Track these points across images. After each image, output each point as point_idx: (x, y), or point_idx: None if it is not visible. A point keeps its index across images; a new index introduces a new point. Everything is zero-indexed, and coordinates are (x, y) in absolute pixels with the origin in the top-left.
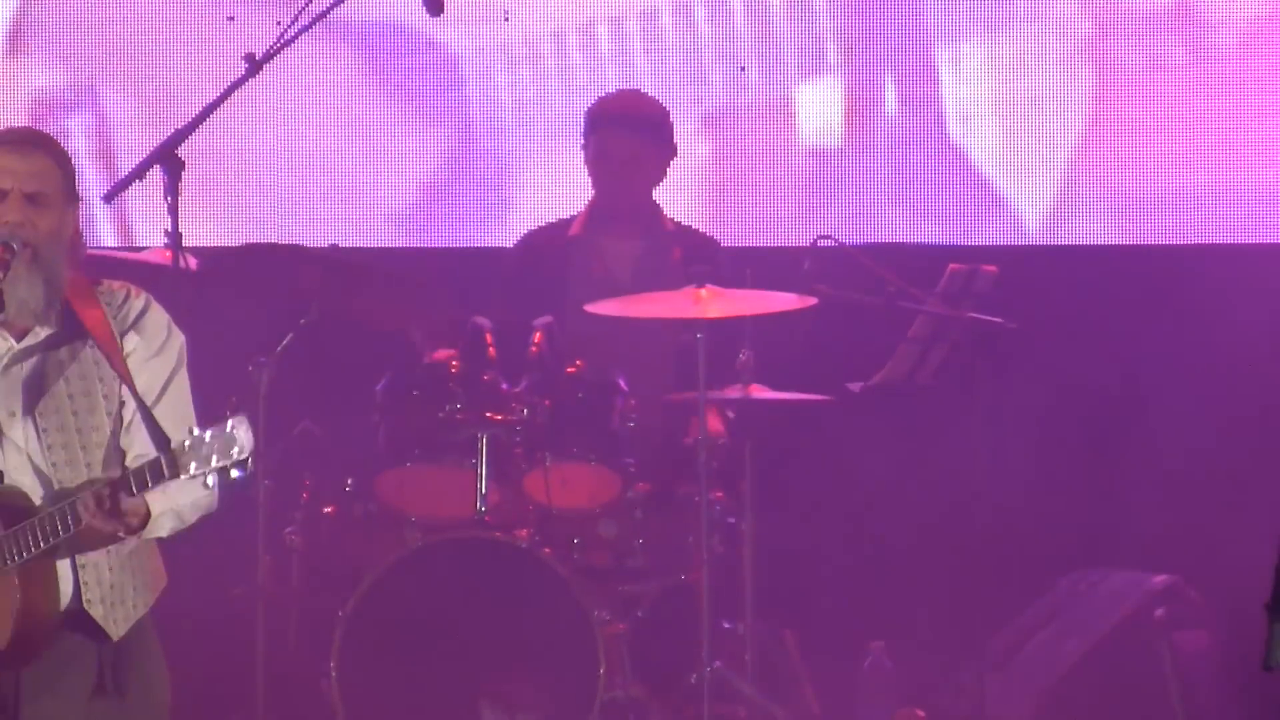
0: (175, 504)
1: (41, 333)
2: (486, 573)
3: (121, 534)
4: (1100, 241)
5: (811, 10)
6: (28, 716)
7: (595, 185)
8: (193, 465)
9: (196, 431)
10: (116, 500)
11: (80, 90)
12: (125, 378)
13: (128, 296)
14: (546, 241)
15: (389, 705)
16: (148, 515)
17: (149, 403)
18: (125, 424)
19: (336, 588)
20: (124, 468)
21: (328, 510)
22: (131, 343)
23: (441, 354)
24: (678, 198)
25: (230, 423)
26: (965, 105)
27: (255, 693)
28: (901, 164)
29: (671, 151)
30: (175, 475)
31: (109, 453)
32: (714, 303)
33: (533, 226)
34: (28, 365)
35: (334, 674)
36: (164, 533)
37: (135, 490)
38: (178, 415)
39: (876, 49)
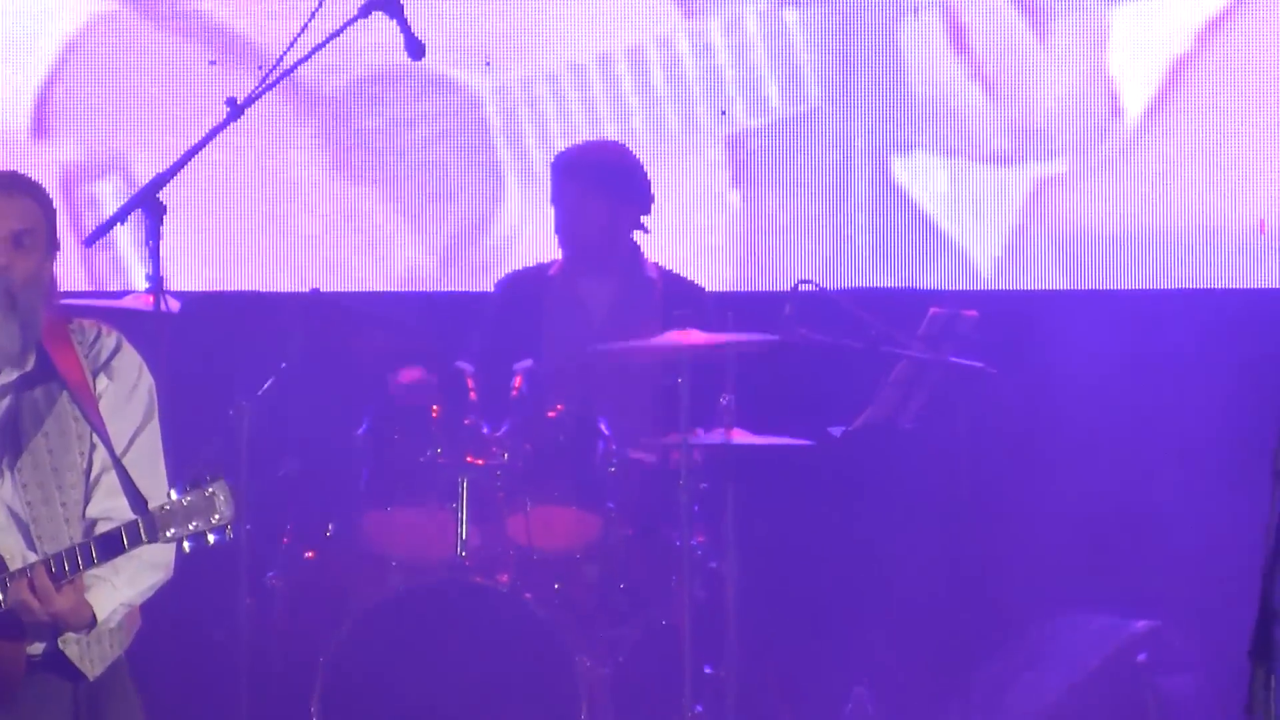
0: (126, 597)
1: (14, 373)
2: (468, 616)
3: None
4: (1066, 285)
5: (790, 53)
6: None
7: (557, 233)
8: (170, 530)
9: (175, 495)
10: (46, 582)
11: (105, 156)
12: (98, 428)
13: (99, 335)
14: (525, 284)
15: None
16: (90, 614)
17: (119, 451)
18: (95, 473)
19: (318, 631)
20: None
21: (309, 554)
22: (102, 384)
23: (408, 374)
24: (659, 242)
25: (211, 487)
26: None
27: None
28: (879, 209)
29: (640, 198)
30: (153, 539)
31: (84, 495)
32: (695, 339)
33: (512, 269)
34: (1, 405)
35: (316, 718)
36: (115, 623)
37: (99, 560)
38: (147, 465)
39: (853, 90)
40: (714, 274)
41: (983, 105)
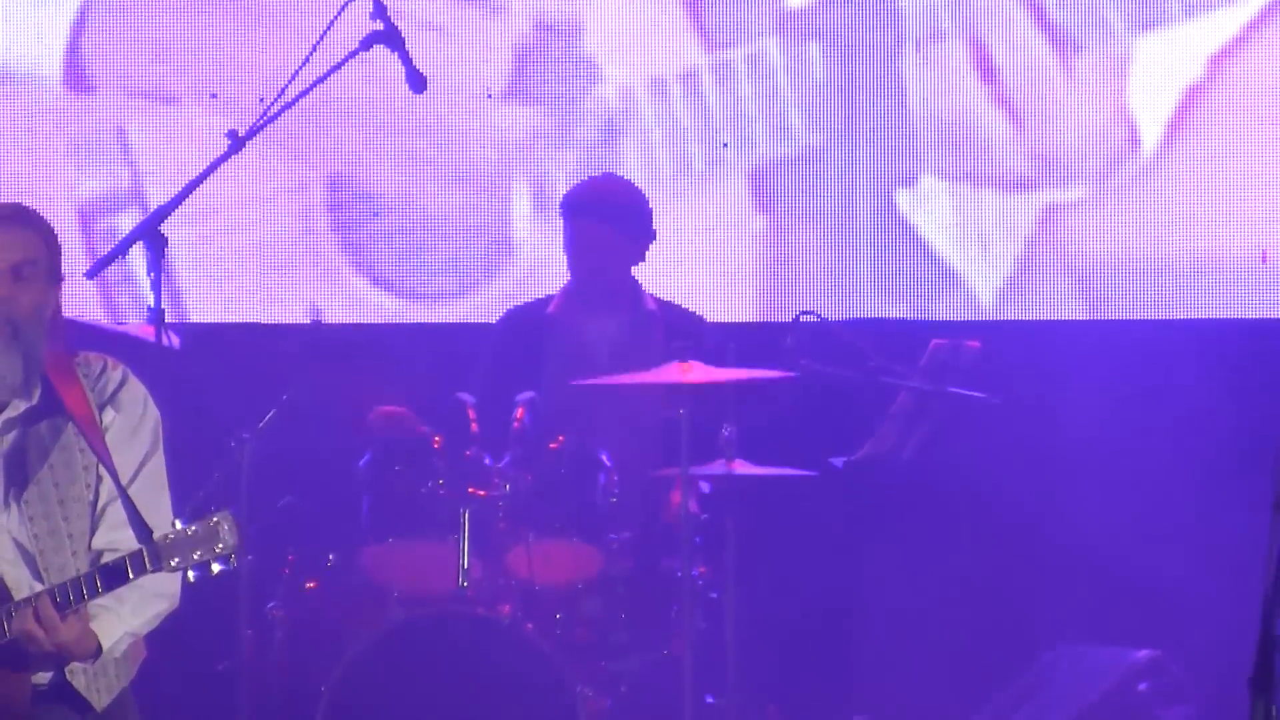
0: (131, 626)
1: (20, 406)
2: (469, 648)
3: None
4: (1073, 315)
5: (784, 88)
6: None
7: (570, 269)
8: (175, 559)
9: (180, 524)
10: (51, 613)
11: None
12: (105, 460)
13: (105, 369)
14: (526, 319)
15: None
16: (95, 643)
17: (125, 482)
18: (101, 504)
19: (319, 662)
20: (95, 565)
21: (310, 585)
22: (109, 417)
23: (386, 410)
24: (658, 274)
25: (216, 517)
26: (930, 183)
27: None
28: (877, 240)
29: (647, 234)
30: (158, 568)
31: (90, 527)
32: (696, 375)
33: (518, 302)
34: (8, 439)
35: None
36: (120, 652)
37: (103, 589)
38: (153, 496)
39: (852, 122)
40: (726, 305)
41: (1004, 132)
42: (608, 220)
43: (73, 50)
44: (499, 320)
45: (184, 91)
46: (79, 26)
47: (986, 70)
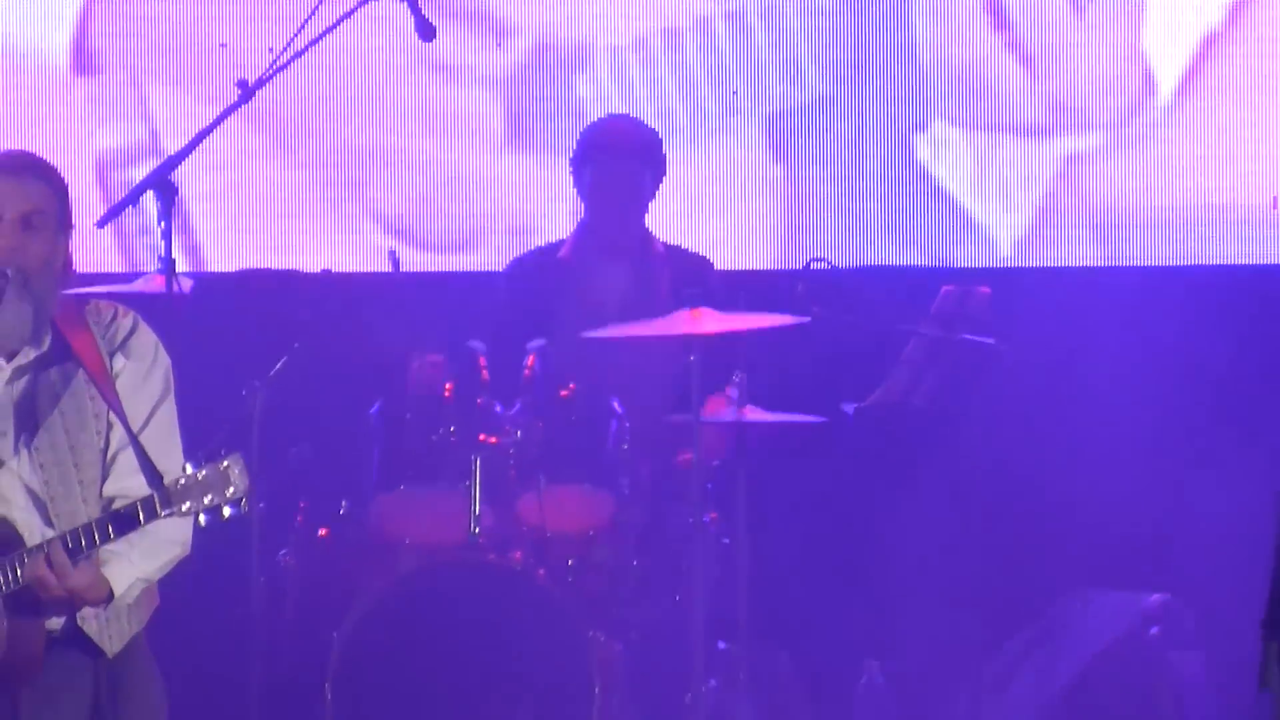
0: (143, 572)
1: (31, 353)
2: (481, 596)
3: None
4: (1085, 261)
5: (796, 35)
6: None
7: (590, 212)
8: (186, 504)
9: (191, 469)
10: (62, 558)
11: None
12: (115, 407)
13: (115, 316)
14: (536, 266)
15: None
16: (107, 589)
17: (135, 429)
18: (112, 452)
19: (331, 610)
20: (106, 511)
21: (322, 533)
22: (119, 364)
23: (430, 359)
24: (671, 221)
25: (226, 461)
26: (944, 130)
27: (250, 714)
28: (890, 188)
29: (663, 174)
30: (169, 512)
31: (101, 474)
32: (708, 324)
33: (528, 249)
34: (19, 385)
35: (329, 697)
36: (132, 598)
37: (115, 535)
38: (164, 442)
39: (864, 71)
40: (735, 253)
41: (1017, 79)
42: (632, 161)
43: (86, 9)
44: (507, 267)
45: (194, 43)
46: None
47: (999, 17)
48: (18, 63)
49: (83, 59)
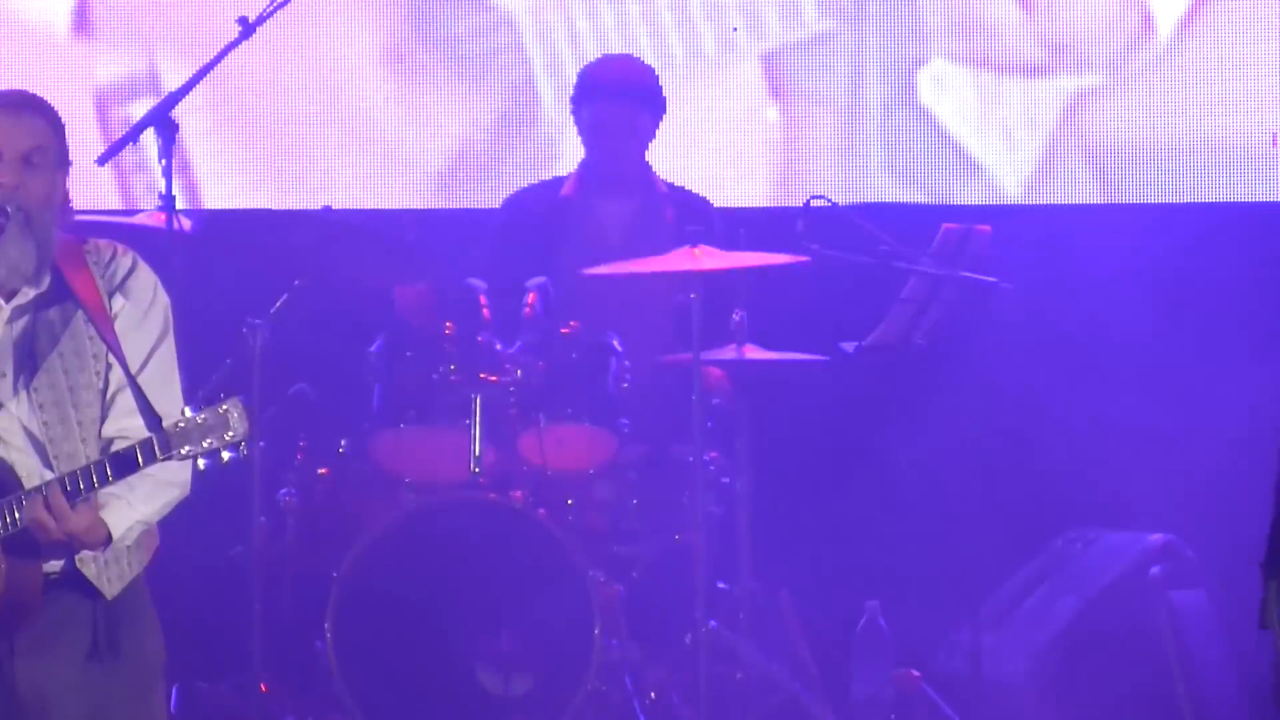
0: (141, 514)
1: (30, 293)
2: (481, 534)
3: (75, 543)
4: (1087, 200)
5: None
6: (24, 677)
7: (589, 151)
8: (185, 447)
9: (190, 412)
10: (60, 501)
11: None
12: (114, 347)
13: (114, 255)
14: (536, 202)
15: (384, 666)
16: (105, 532)
17: (134, 370)
18: (110, 392)
19: (331, 549)
20: (105, 453)
21: (322, 471)
22: (118, 304)
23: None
24: (670, 159)
25: (226, 405)
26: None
27: (251, 653)
28: (891, 126)
29: (662, 114)
30: (168, 455)
31: (100, 415)
32: (709, 261)
33: (523, 186)
34: (18, 325)
35: (329, 635)
36: (131, 540)
37: (113, 478)
38: (162, 383)
39: (865, 7)
40: (734, 191)
41: (1015, 18)
42: (630, 101)
43: None
44: (504, 204)
45: None
46: None
47: None
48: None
49: (85, 10)
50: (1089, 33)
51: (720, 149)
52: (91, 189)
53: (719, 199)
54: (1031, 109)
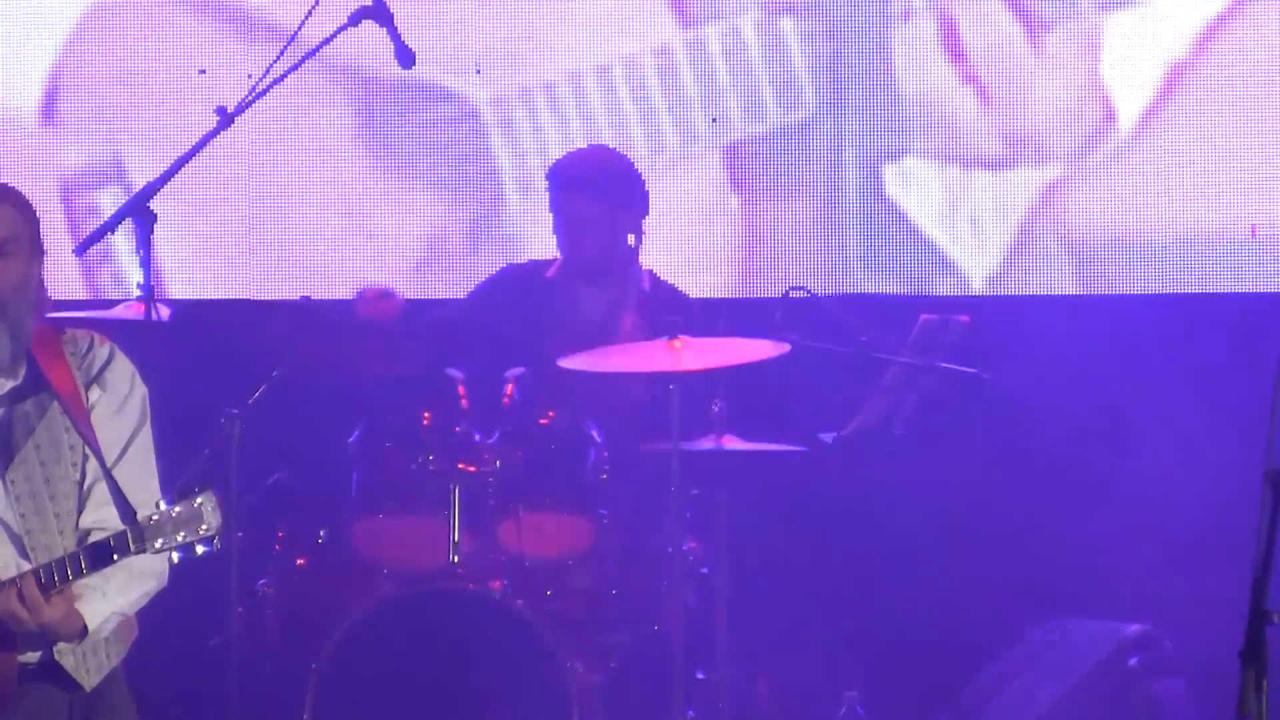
0: (117, 606)
1: (6, 384)
2: (460, 624)
3: (50, 635)
4: (1059, 290)
5: (785, 62)
6: None
7: (558, 244)
8: (159, 541)
9: (164, 506)
10: (35, 593)
11: (105, 165)
12: (89, 440)
13: (92, 345)
14: (524, 279)
15: None
16: (81, 623)
17: (110, 461)
18: (88, 483)
19: (310, 639)
20: (81, 544)
21: (301, 561)
22: (95, 395)
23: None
24: (657, 250)
25: (199, 498)
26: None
27: None
28: (860, 218)
29: (636, 205)
30: (142, 549)
31: (77, 506)
32: (688, 355)
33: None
34: None
35: None
36: (108, 631)
37: (88, 570)
38: (139, 473)
39: (847, 97)
40: (709, 281)
41: (976, 112)
42: (595, 194)
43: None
44: (497, 273)
45: (171, 68)
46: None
47: (954, 49)
48: None
49: (54, 100)
50: (1049, 125)
51: (688, 242)
52: (59, 279)
53: (692, 291)
54: (998, 201)
